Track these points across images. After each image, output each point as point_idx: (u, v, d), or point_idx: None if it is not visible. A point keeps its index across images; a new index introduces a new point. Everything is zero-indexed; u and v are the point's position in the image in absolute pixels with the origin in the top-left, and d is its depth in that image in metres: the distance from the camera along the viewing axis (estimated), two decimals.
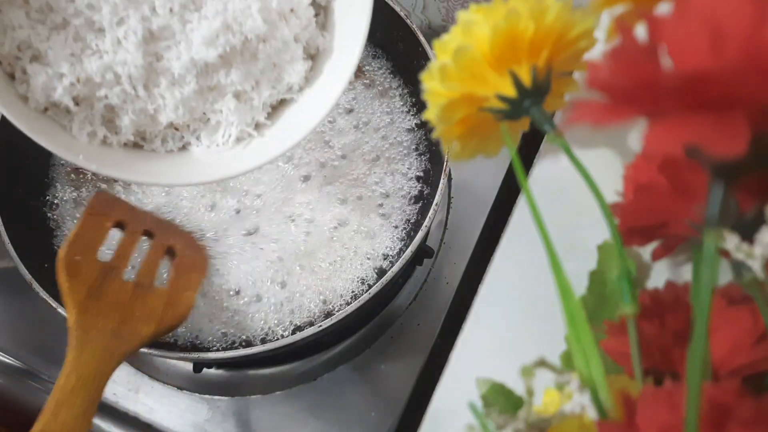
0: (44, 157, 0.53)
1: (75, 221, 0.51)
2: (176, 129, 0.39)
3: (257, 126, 0.40)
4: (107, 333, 0.37)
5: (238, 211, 0.51)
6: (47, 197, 0.52)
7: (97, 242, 0.41)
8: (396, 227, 0.51)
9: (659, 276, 0.30)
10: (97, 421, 0.57)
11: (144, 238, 0.44)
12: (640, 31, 0.20)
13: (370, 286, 0.48)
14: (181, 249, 0.45)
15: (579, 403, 0.24)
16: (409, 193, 0.53)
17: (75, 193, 0.52)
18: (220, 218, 0.50)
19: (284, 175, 0.52)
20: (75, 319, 0.37)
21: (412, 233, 0.51)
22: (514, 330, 0.36)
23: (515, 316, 0.37)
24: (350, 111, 0.55)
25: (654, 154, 0.28)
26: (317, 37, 0.41)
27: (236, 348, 0.47)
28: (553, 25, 0.28)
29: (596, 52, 0.25)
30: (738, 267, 0.24)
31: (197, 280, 0.44)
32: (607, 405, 0.26)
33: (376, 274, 0.49)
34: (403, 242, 0.51)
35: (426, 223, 0.47)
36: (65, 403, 0.32)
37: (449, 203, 0.61)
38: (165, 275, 0.45)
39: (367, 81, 0.56)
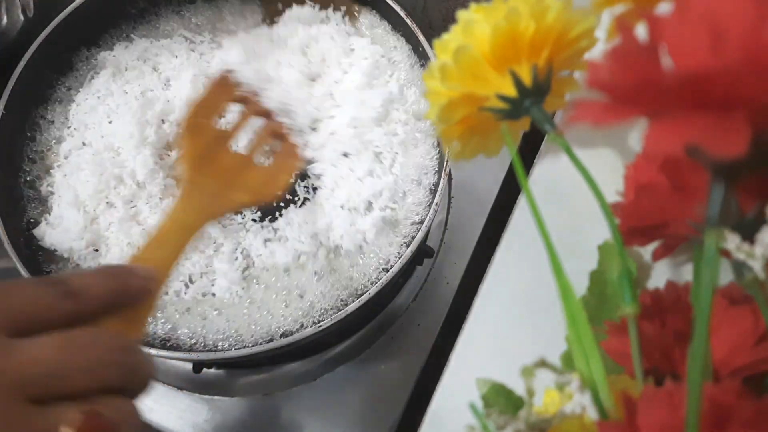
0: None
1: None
2: None
3: None
4: (210, 193, 0.42)
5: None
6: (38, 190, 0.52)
7: (218, 110, 0.47)
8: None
9: (660, 276, 0.30)
10: None
11: (257, 119, 0.49)
12: (641, 31, 0.20)
13: (370, 286, 0.48)
14: (286, 137, 0.50)
15: (579, 403, 0.24)
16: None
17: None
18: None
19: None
20: (188, 175, 0.42)
21: (412, 233, 0.51)
22: (514, 330, 0.36)
23: (515, 316, 0.37)
24: None
25: (654, 153, 0.28)
26: None
27: (236, 348, 0.47)
28: (554, 24, 0.28)
29: (597, 52, 0.24)
30: (739, 267, 0.24)
31: (293, 167, 0.49)
32: (607, 405, 0.26)
33: (376, 274, 0.49)
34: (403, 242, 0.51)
35: (426, 223, 0.47)
36: (162, 242, 0.36)
37: (449, 203, 0.61)
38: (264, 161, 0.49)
39: None
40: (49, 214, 0.51)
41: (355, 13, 0.57)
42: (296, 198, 0.51)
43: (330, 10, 0.57)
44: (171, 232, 0.37)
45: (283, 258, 0.49)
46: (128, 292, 0.29)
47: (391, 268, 0.46)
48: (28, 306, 0.26)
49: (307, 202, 0.51)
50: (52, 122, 0.54)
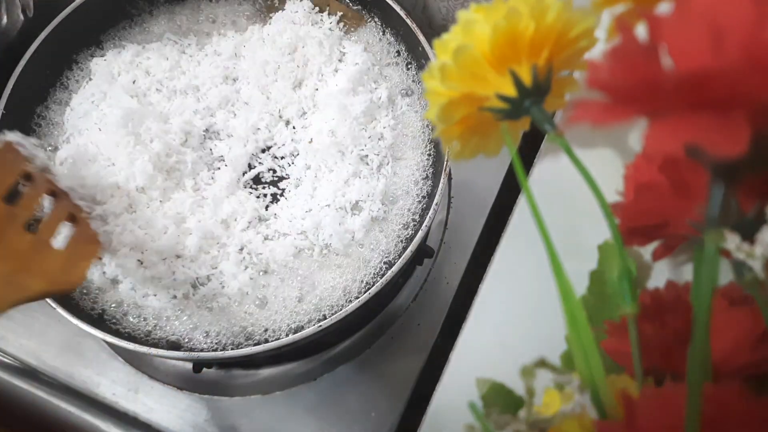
0: None
1: None
2: None
3: None
4: (0, 276, 0.37)
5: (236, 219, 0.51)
6: None
7: (5, 182, 0.41)
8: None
9: (659, 276, 0.30)
10: (97, 422, 0.57)
11: (48, 198, 0.45)
12: (641, 31, 0.20)
13: (370, 286, 0.48)
14: (83, 220, 0.45)
15: (579, 403, 0.24)
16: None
17: None
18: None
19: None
20: None
21: (412, 233, 0.51)
22: (514, 330, 0.36)
23: (515, 316, 0.37)
24: None
25: (654, 153, 0.28)
26: None
27: (236, 348, 0.47)
28: (554, 24, 0.28)
29: (597, 52, 0.24)
30: (739, 267, 0.24)
31: (93, 253, 0.44)
32: (607, 405, 0.26)
33: (376, 274, 0.49)
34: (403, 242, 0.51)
35: (426, 223, 0.47)
36: None
37: (449, 203, 0.61)
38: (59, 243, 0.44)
39: None
40: None
41: (353, 20, 0.57)
42: (278, 197, 0.51)
43: (325, 13, 0.57)
44: None
45: (281, 255, 0.49)
46: None
47: (391, 268, 0.46)
48: None
49: (289, 200, 0.51)
50: (52, 123, 0.54)
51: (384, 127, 0.52)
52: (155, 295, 0.48)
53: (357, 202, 0.50)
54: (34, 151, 0.44)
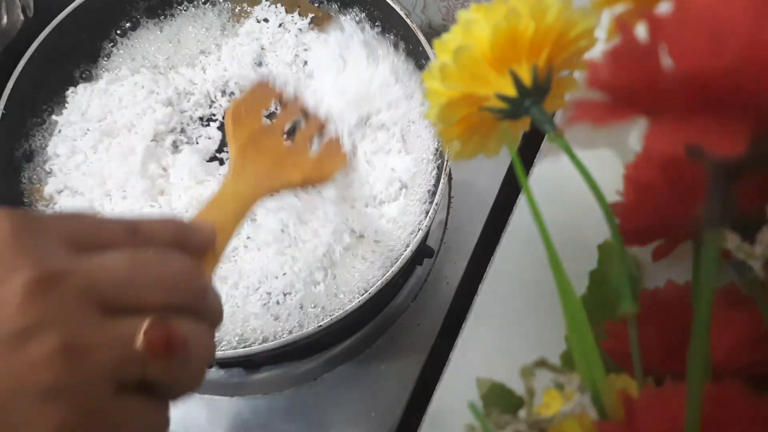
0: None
1: None
2: None
3: None
4: (261, 169, 0.43)
5: None
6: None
7: (261, 106, 0.49)
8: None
9: (660, 276, 0.30)
10: None
11: (301, 117, 0.51)
12: (641, 31, 0.20)
13: (369, 286, 0.48)
14: (330, 136, 0.51)
15: (579, 403, 0.24)
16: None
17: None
18: None
19: None
20: (234, 156, 0.43)
21: (412, 233, 0.51)
22: (514, 330, 0.36)
23: (515, 316, 0.37)
24: None
25: (654, 153, 0.28)
26: None
27: (236, 348, 0.47)
28: (554, 24, 0.28)
29: (596, 52, 0.24)
30: (739, 267, 0.24)
31: (342, 160, 0.50)
32: (607, 405, 0.26)
33: (376, 274, 0.49)
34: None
35: (426, 223, 0.47)
36: (217, 206, 0.37)
37: (449, 203, 0.61)
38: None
39: None
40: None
41: (323, 20, 0.58)
42: None
43: (296, 14, 0.57)
44: (225, 200, 0.38)
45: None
46: (190, 242, 0.29)
47: (391, 268, 0.46)
48: (96, 229, 0.25)
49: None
50: (52, 123, 0.54)
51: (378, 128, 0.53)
52: None
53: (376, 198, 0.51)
54: (284, 86, 0.51)
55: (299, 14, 0.58)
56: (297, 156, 0.47)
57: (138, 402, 0.24)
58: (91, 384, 0.22)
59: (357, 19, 0.57)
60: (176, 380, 0.25)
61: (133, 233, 0.26)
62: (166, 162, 0.52)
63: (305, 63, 0.56)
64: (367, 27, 0.56)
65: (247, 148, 0.45)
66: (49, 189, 0.52)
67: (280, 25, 0.57)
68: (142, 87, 0.54)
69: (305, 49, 0.56)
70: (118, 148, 0.52)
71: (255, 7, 0.58)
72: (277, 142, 0.47)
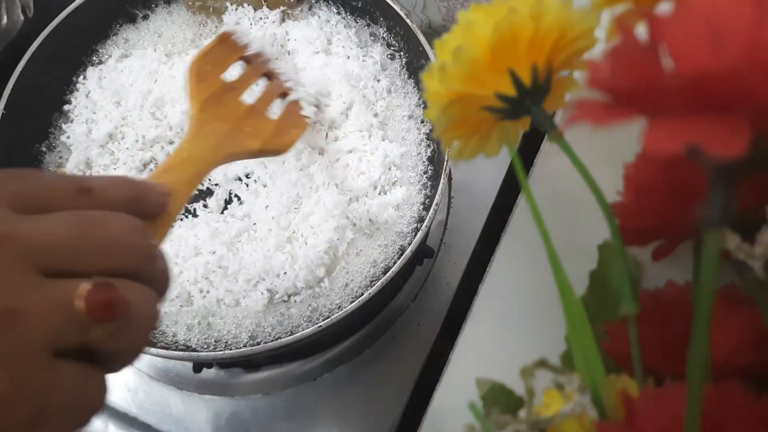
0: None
1: None
2: None
3: None
4: (219, 133, 0.42)
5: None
6: None
7: (225, 62, 0.47)
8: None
9: (660, 276, 0.30)
10: (97, 421, 0.57)
11: (264, 79, 0.50)
12: (641, 31, 0.20)
13: (369, 286, 0.48)
14: (294, 100, 0.50)
15: (579, 403, 0.24)
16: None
17: None
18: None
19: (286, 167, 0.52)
20: (194, 113, 0.42)
21: (412, 233, 0.51)
22: (514, 330, 0.36)
23: (515, 316, 0.37)
24: None
25: (654, 154, 0.28)
26: None
27: (236, 348, 0.47)
28: (554, 24, 0.28)
29: (596, 52, 0.24)
30: (739, 267, 0.24)
31: (302, 126, 0.49)
32: (607, 405, 0.26)
33: (376, 274, 0.49)
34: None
35: (426, 223, 0.47)
36: (173, 169, 0.36)
37: (449, 203, 0.61)
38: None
39: None
40: None
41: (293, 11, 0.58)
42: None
43: (264, 9, 0.57)
44: (183, 163, 0.37)
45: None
46: (144, 202, 0.28)
47: (391, 268, 0.46)
48: (42, 190, 0.24)
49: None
50: (52, 123, 0.54)
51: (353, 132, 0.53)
52: None
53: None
54: (249, 39, 0.49)
55: (268, 7, 0.58)
56: (257, 120, 0.45)
57: (75, 369, 0.23)
58: (26, 350, 0.21)
59: (337, 11, 0.58)
60: (117, 347, 0.24)
61: (83, 193, 0.25)
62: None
63: (289, 52, 0.56)
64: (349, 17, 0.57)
65: (208, 108, 0.43)
66: None
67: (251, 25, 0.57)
68: (143, 86, 0.54)
69: (288, 38, 0.57)
70: (121, 147, 0.52)
71: (222, 16, 0.58)
72: (238, 103, 0.45)
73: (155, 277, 0.26)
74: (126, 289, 0.24)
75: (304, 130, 0.48)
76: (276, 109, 0.48)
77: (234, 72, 0.47)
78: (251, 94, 0.47)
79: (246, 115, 0.45)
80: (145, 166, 0.52)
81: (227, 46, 0.48)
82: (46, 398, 0.22)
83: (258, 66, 0.49)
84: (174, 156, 0.37)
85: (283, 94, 0.50)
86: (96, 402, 0.24)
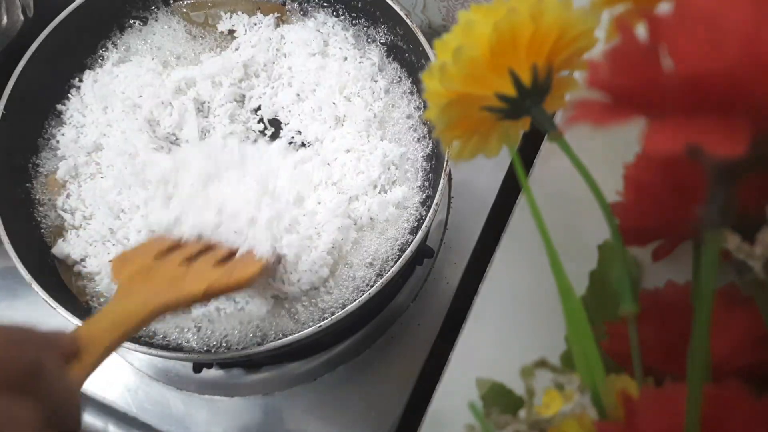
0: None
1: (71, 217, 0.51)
2: None
3: None
4: (150, 290, 0.41)
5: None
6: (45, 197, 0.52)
7: (154, 250, 0.45)
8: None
9: (660, 276, 0.30)
10: (97, 422, 0.57)
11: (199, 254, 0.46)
12: (641, 31, 0.20)
13: (370, 287, 0.48)
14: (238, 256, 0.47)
15: (579, 403, 0.24)
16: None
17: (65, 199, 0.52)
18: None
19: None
20: (121, 286, 0.42)
21: (412, 233, 0.51)
22: (514, 330, 0.36)
23: (515, 316, 0.37)
24: None
25: (654, 154, 0.28)
26: None
27: (236, 348, 0.47)
28: (554, 24, 0.28)
29: (596, 52, 0.24)
30: (739, 267, 0.24)
31: (258, 266, 0.45)
32: (607, 405, 0.26)
33: (376, 274, 0.49)
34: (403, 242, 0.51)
35: (426, 223, 0.47)
36: (94, 321, 0.37)
37: (449, 203, 0.61)
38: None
39: None
40: (50, 213, 0.52)
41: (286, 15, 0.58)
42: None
43: (258, 14, 0.58)
44: (102, 315, 0.37)
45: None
46: (47, 361, 0.28)
47: (391, 268, 0.46)
48: None
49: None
50: (52, 123, 0.54)
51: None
52: None
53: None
54: (186, 233, 0.46)
55: (262, 13, 0.58)
56: (198, 271, 0.43)
57: None
58: None
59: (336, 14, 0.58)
60: None
61: None
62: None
63: (285, 54, 0.56)
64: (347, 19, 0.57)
65: (135, 278, 0.42)
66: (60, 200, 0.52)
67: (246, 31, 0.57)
68: (143, 86, 0.54)
69: (283, 42, 0.56)
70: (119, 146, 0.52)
71: (217, 24, 0.58)
72: (173, 267, 0.43)
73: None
74: None
75: (260, 267, 0.45)
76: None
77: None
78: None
79: (185, 272, 0.43)
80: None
81: (156, 243, 0.46)
82: None
83: (195, 243, 0.46)
84: (101, 310, 0.38)
85: (227, 257, 0.46)
86: None
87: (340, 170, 0.51)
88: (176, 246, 0.46)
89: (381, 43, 0.56)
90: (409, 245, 0.46)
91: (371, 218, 0.50)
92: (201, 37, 0.58)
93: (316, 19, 0.57)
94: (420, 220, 0.50)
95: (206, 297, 0.42)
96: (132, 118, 0.53)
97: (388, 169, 0.51)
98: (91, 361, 0.34)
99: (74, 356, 0.33)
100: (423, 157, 0.53)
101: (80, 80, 0.55)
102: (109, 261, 0.45)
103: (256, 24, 0.57)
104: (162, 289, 0.41)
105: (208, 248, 0.46)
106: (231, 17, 0.57)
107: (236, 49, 0.56)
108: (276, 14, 0.57)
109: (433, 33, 0.65)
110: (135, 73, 0.54)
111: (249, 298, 0.48)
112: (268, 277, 0.48)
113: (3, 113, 0.50)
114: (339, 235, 0.48)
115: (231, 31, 0.58)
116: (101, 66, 0.56)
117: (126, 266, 0.43)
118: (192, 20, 0.58)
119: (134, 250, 0.46)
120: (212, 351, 0.47)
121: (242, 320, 0.48)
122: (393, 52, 0.56)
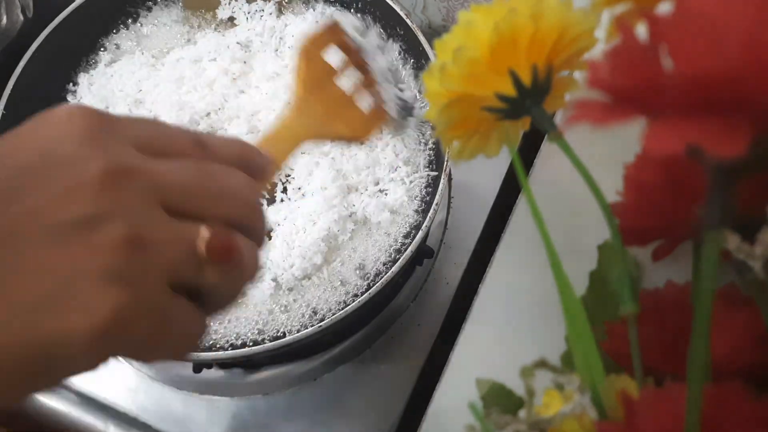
0: None
1: None
2: None
3: None
4: (317, 114, 0.44)
5: None
6: None
7: (326, 48, 0.48)
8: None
9: (660, 276, 0.30)
10: (97, 422, 0.57)
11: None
12: (641, 31, 0.20)
13: (370, 287, 0.48)
14: (379, 95, 0.50)
15: (579, 403, 0.24)
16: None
17: None
18: None
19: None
20: (300, 93, 0.44)
21: (412, 233, 0.51)
22: (514, 330, 0.36)
23: (515, 316, 0.37)
24: None
25: (654, 154, 0.28)
26: None
27: (236, 348, 0.47)
28: (554, 24, 0.28)
29: (596, 52, 0.24)
30: (739, 267, 0.24)
31: (383, 119, 0.49)
32: (607, 405, 0.26)
33: (376, 274, 0.49)
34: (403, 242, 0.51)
35: (426, 223, 0.47)
36: (275, 141, 0.38)
37: (449, 203, 0.61)
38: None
39: None
40: None
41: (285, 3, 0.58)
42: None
43: (258, 1, 0.57)
44: (282, 136, 0.39)
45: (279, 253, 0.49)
46: (252, 164, 0.29)
47: (391, 268, 0.46)
48: (165, 137, 0.26)
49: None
50: None
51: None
52: None
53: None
54: (354, 33, 0.49)
55: None
56: (348, 109, 0.48)
57: (185, 304, 0.25)
58: (149, 276, 0.23)
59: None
60: (223, 290, 0.26)
61: (200, 146, 0.27)
62: None
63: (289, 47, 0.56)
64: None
65: (313, 88, 0.45)
66: None
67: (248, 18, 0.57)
68: (140, 80, 0.54)
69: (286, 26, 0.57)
70: None
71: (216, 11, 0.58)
72: (335, 88, 0.48)
73: (258, 232, 0.28)
74: (238, 237, 0.26)
75: (382, 126, 0.50)
76: (364, 101, 0.50)
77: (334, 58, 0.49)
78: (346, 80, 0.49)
79: (340, 101, 0.47)
80: None
81: (333, 34, 0.49)
82: (163, 320, 0.24)
83: (355, 55, 0.51)
84: (275, 129, 0.40)
85: (372, 88, 0.51)
86: (195, 339, 0.26)
87: (344, 166, 0.51)
88: (344, 43, 0.49)
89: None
90: (409, 245, 0.46)
91: (367, 216, 0.50)
92: (199, 27, 0.58)
93: (314, 10, 0.57)
94: (420, 220, 0.50)
95: (342, 140, 0.46)
96: (137, 114, 0.53)
97: (388, 169, 0.51)
98: (265, 186, 0.34)
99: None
100: (423, 157, 0.53)
101: (74, 84, 0.56)
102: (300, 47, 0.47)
103: (256, 11, 0.57)
104: (324, 116, 0.44)
105: (362, 64, 0.49)
106: (230, 3, 0.58)
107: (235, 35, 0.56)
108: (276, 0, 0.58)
109: (433, 33, 0.65)
110: (129, 70, 0.55)
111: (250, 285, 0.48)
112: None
113: (3, 113, 0.50)
114: (335, 226, 0.49)
115: (231, 18, 0.58)
116: (94, 68, 0.56)
117: (311, 65, 0.46)
118: (193, 7, 0.58)
119: (318, 40, 0.47)
120: (212, 351, 0.47)
121: (242, 320, 0.48)
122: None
